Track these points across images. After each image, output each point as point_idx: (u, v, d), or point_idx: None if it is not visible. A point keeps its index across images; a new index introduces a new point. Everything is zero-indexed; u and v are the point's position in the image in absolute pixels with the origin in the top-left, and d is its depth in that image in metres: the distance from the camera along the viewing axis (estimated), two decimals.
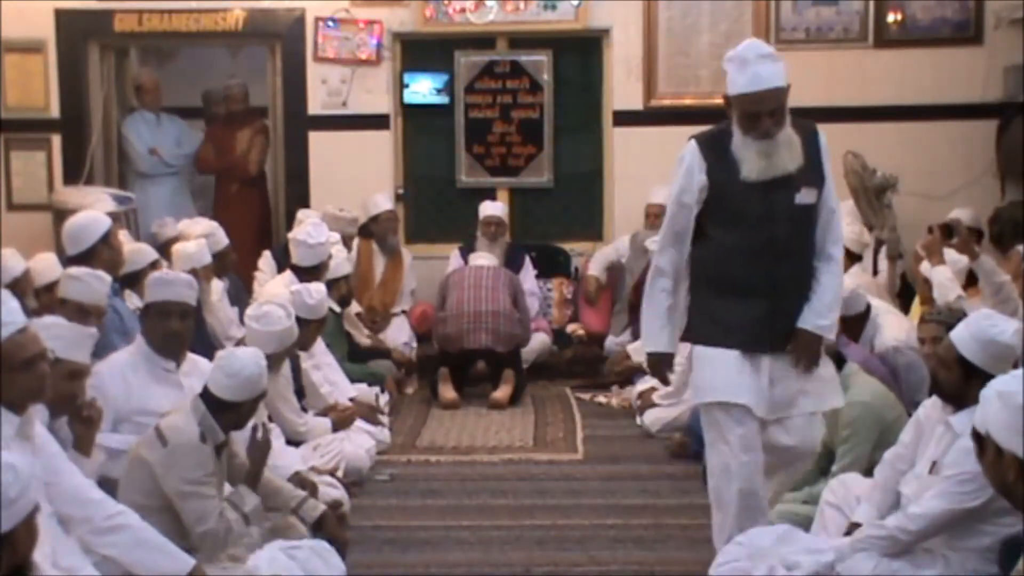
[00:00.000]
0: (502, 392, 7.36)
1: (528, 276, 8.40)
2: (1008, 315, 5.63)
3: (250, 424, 4.52)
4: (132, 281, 6.21)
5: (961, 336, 3.91)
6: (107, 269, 5.69)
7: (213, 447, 4.31)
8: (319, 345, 6.57)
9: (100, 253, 5.80)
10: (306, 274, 6.64)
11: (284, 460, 5.16)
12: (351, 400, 6.47)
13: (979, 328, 3.89)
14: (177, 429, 4.25)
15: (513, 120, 8.86)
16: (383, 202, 8.32)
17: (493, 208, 8.35)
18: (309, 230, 6.87)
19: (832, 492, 4.46)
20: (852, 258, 6.48)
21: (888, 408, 4.89)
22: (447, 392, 7.40)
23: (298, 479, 5.00)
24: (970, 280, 6.01)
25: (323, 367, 6.50)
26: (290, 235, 7.01)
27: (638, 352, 7.65)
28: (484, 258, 7.98)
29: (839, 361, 4.91)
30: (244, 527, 4.33)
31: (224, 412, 4.31)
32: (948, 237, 6.14)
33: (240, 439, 4.67)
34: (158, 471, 4.22)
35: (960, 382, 3.85)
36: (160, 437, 4.26)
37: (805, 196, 4.25)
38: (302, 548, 2.83)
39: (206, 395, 4.32)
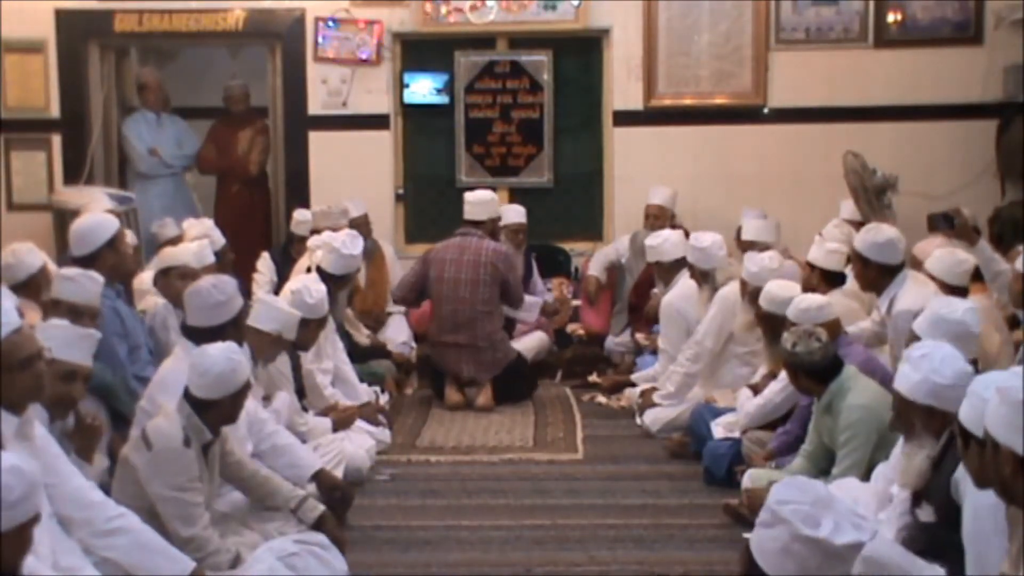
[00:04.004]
0: (484, 398, 7.33)
1: (537, 280, 8.38)
2: (1005, 304, 5.68)
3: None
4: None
5: (918, 322, 4.26)
6: (113, 272, 5.69)
7: (200, 448, 4.30)
8: (338, 346, 6.60)
9: (106, 256, 5.79)
10: (331, 280, 6.60)
11: (305, 460, 5.18)
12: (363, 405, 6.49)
13: (932, 309, 4.27)
14: (161, 433, 4.24)
15: (513, 120, 8.87)
16: (354, 208, 8.23)
17: (518, 215, 8.19)
18: (345, 240, 6.80)
19: None
20: (848, 260, 6.48)
21: (887, 410, 4.86)
22: (453, 395, 7.39)
23: (326, 480, 5.09)
24: (975, 276, 6.01)
25: (341, 367, 6.54)
26: (325, 239, 6.96)
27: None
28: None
29: (838, 363, 4.91)
30: (219, 541, 4.29)
31: (206, 411, 4.31)
32: (949, 226, 6.14)
33: (234, 436, 4.68)
34: (143, 475, 4.21)
35: None
36: (145, 440, 4.25)
37: (925, 512, 3.83)
38: (300, 554, 2.82)
39: (188, 395, 4.33)
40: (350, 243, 6.81)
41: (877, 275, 5.67)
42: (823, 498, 2.81)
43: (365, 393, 6.70)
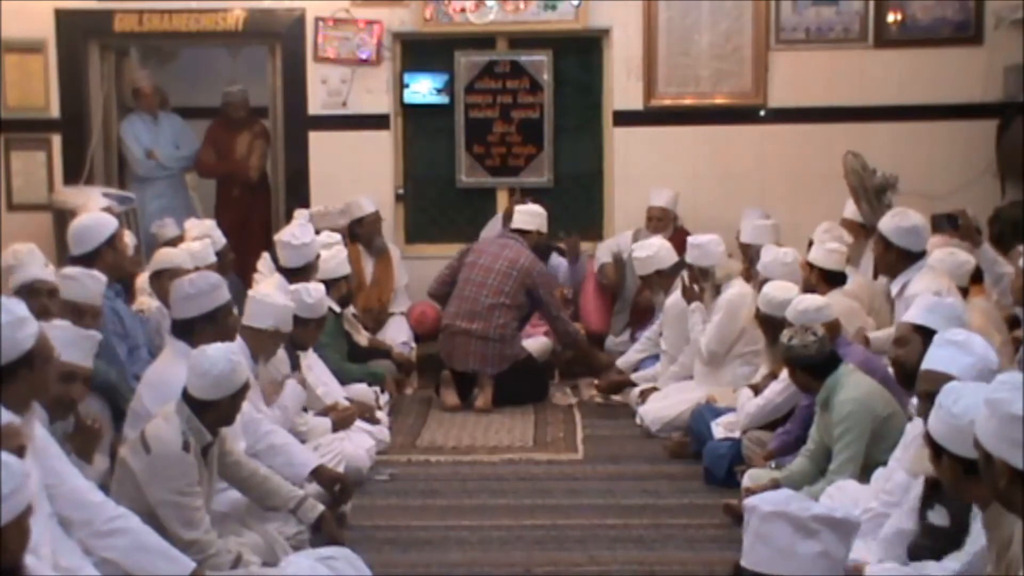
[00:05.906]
0: (482, 400, 7.32)
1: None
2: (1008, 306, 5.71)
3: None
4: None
5: (913, 312, 4.38)
6: (113, 271, 5.69)
7: (199, 450, 4.30)
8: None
9: (105, 255, 5.80)
10: (295, 276, 6.59)
11: (302, 458, 5.17)
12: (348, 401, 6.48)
13: (925, 298, 4.48)
14: (160, 438, 4.23)
15: (513, 120, 8.86)
16: (367, 205, 8.28)
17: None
18: (294, 231, 6.85)
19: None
20: (848, 260, 6.49)
21: (879, 402, 4.90)
22: (449, 398, 7.39)
23: (325, 475, 5.08)
24: (975, 278, 6.03)
25: (313, 368, 6.50)
26: (275, 237, 6.98)
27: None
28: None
29: (834, 359, 4.92)
30: (221, 543, 4.29)
31: (205, 411, 4.31)
32: (952, 227, 6.14)
33: (234, 434, 4.67)
34: (141, 478, 4.21)
35: (922, 350, 4.00)
36: (144, 444, 4.24)
37: (936, 515, 3.72)
38: (337, 559, 2.85)
39: (187, 396, 4.32)
40: (299, 233, 6.85)
41: (897, 259, 5.69)
42: (797, 497, 2.86)
43: (343, 389, 6.61)
